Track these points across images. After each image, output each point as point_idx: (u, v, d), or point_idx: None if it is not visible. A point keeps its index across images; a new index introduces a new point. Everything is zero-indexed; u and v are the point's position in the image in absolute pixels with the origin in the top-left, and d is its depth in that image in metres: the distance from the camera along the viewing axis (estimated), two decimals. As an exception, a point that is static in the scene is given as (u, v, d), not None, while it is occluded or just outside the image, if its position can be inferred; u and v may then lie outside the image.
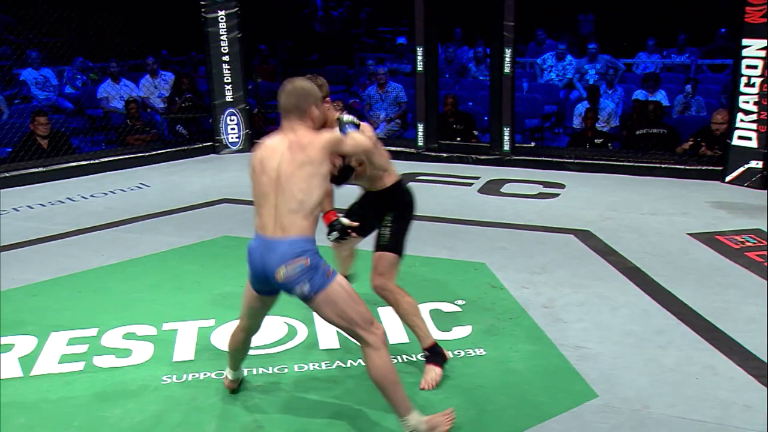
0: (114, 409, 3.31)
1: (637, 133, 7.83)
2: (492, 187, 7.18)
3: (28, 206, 6.82)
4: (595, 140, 8.02)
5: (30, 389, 3.53)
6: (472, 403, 3.32)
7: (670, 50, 10.26)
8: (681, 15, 9.83)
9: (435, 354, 3.52)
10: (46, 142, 7.90)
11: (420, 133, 8.35)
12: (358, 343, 2.95)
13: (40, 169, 7.76)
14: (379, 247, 3.47)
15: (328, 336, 3.98)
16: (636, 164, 7.53)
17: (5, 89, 9.37)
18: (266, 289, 2.96)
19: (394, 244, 3.47)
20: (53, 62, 10.37)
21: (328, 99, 3.34)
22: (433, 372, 3.49)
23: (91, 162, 8.17)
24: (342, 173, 3.36)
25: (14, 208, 6.75)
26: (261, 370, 3.63)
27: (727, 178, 7.02)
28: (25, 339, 4.02)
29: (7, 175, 7.59)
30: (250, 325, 3.17)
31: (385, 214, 3.51)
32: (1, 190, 7.34)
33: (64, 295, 4.67)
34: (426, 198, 6.86)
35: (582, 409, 3.23)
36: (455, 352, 3.78)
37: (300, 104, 2.87)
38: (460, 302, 4.39)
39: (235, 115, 8.98)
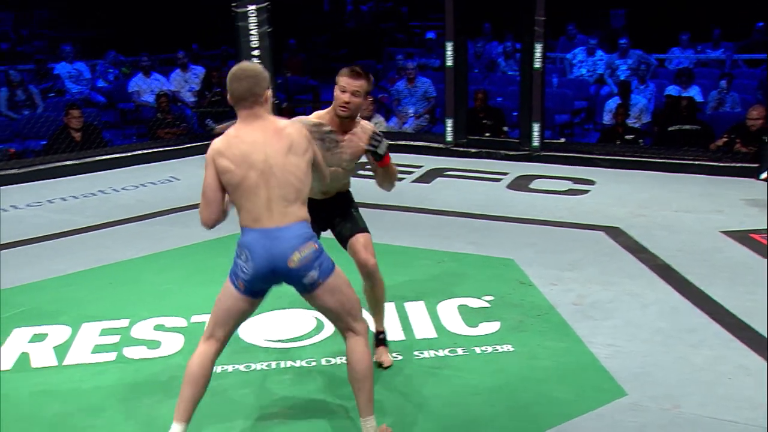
0: (144, 399, 3.36)
1: (670, 129, 7.72)
2: (521, 183, 7.14)
3: (61, 198, 6.92)
4: (626, 136, 7.93)
5: (63, 378, 3.59)
6: (499, 399, 3.31)
7: (704, 45, 10.11)
8: (716, 9, 9.67)
9: (384, 338, 3.68)
10: (79, 135, 8.00)
11: (449, 129, 8.32)
12: (343, 334, 2.89)
13: (73, 161, 7.87)
14: (360, 228, 3.49)
15: (356, 330, 3.99)
16: (668, 161, 7.42)
17: (40, 83, 9.51)
18: (267, 287, 2.79)
19: (366, 225, 3.54)
20: (87, 56, 10.53)
21: (369, 98, 3.37)
22: (387, 356, 3.64)
23: (123, 155, 8.27)
24: (377, 141, 3.33)
25: (48, 200, 6.86)
26: (289, 363, 3.65)
27: (762, 176, 6.89)
28: (60, 329, 4.09)
29: (42, 167, 7.71)
30: (224, 342, 2.84)
31: (349, 206, 3.55)
32: (36, 182, 7.46)
33: (97, 285, 4.74)
34: (454, 193, 6.86)
35: (611, 408, 3.20)
36: (482, 348, 3.77)
37: (255, 89, 2.71)
38: (488, 298, 4.37)
39: (265, 109, 9.02)
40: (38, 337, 3.99)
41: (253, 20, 8.70)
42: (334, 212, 3.49)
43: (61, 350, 3.85)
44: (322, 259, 2.74)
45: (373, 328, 3.61)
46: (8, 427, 3.19)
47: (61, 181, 7.50)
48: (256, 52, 8.81)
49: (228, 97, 2.76)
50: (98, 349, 3.86)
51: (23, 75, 9.23)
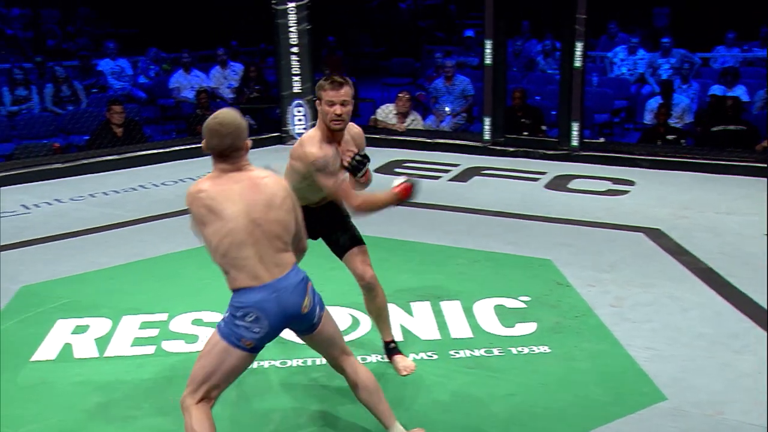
0: (182, 393, 3.38)
1: (713, 129, 7.58)
2: (559, 183, 7.06)
3: (103, 193, 7.04)
4: (668, 136, 7.80)
5: (104, 370, 3.65)
6: (535, 400, 3.28)
7: (751, 44, 9.88)
8: (763, 7, 9.44)
9: (396, 346, 3.62)
10: (120, 130, 8.13)
11: (486, 127, 8.27)
12: (337, 360, 2.83)
13: (115, 156, 8.00)
14: (356, 241, 3.46)
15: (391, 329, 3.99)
16: (711, 162, 7.27)
17: (84, 79, 9.68)
18: (270, 341, 2.67)
19: (361, 236, 3.51)
20: (129, 53, 10.68)
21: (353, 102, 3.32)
22: (406, 360, 3.58)
23: (163, 151, 8.37)
24: (359, 163, 3.26)
25: (90, 194, 6.97)
26: (324, 360, 3.65)
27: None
28: (101, 321, 4.16)
29: (85, 162, 7.85)
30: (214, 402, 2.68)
31: (343, 218, 3.51)
32: (79, 177, 7.60)
33: (136, 279, 4.81)
34: (491, 192, 6.82)
35: (650, 412, 3.15)
36: (518, 349, 3.74)
37: (237, 143, 2.59)
38: (524, 298, 4.34)
39: (302, 107, 9.07)
40: (80, 329, 4.07)
41: (292, 17, 8.76)
42: (328, 221, 3.46)
43: (102, 342, 3.91)
44: (317, 294, 2.74)
45: (383, 338, 3.61)
46: (51, 415, 3.25)
47: (103, 175, 7.63)
48: (294, 49, 8.87)
49: (204, 147, 2.64)
50: (138, 342, 3.91)
51: (68, 71, 9.41)
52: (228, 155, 2.60)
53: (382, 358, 3.68)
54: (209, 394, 2.61)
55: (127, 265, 5.06)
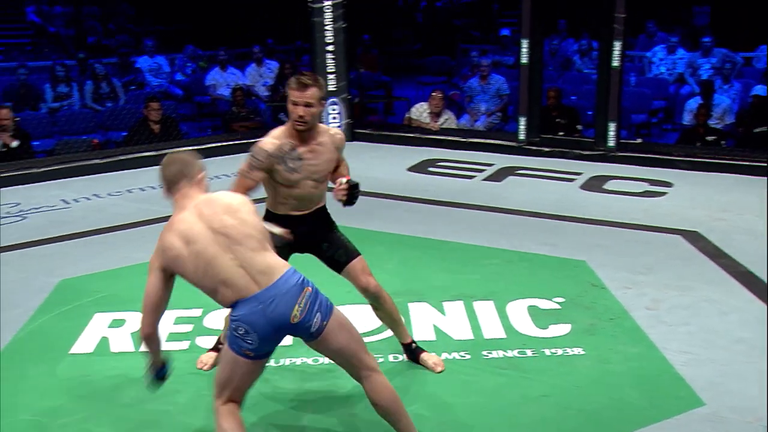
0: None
1: (756, 131, 7.42)
2: (595, 184, 6.98)
3: (140, 188, 7.14)
4: (707, 137, 7.66)
5: (139, 364, 3.67)
6: (569, 402, 3.25)
7: (798, 43, 9.65)
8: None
9: (417, 345, 3.61)
10: (158, 126, 8.23)
11: (522, 127, 8.21)
12: (359, 375, 2.72)
13: (152, 153, 8.09)
14: (354, 253, 3.39)
15: (423, 328, 3.98)
16: (753, 163, 7.11)
17: (123, 76, 9.82)
18: (272, 348, 2.66)
19: (355, 247, 3.44)
20: (166, 50, 10.82)
21: (324, 102, 3.24)
22: (433, 356, 3.58)
23: (199, 147, 8.45)
24: (353, 192, 3.25)
25: (128, 190, 7.08)
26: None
27: None
28: (137, 315, 4.18)
29: (122, 157, 7.97)
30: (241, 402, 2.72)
31: (332, 225, 3.44)
32: (117, 172, 7.71)
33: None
34: (525, 192, 6.77)
35: (687, 417, 3.10)
36: (552, 350, 3.71)
37: (185, 170, 2.65)
38: (558, 299, 4.30)
39: (337, 105, 9.09)
40: (117, 323, 4.13)
41: (328, 15, 8.79)
42: (316, 234, 3.37)
43: (138, 336, 3.95)
44: (320, 300, 2.62)
45: (403, 341, 3.61)
46: (88, 408, 3.30)
47: (140, 171, 7.73)
48: (330, 48, 8.89)
49: (162, 188, 2.70)
50: (172, 337, 3.96)
51: (107, 68, 9.56)
52: (179, 182, 2.65)
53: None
54: (232, 397, 2.66)
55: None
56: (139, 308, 4.21)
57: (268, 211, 3.34)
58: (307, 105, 3.09)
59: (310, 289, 2.60)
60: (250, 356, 2.59)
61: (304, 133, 3.18)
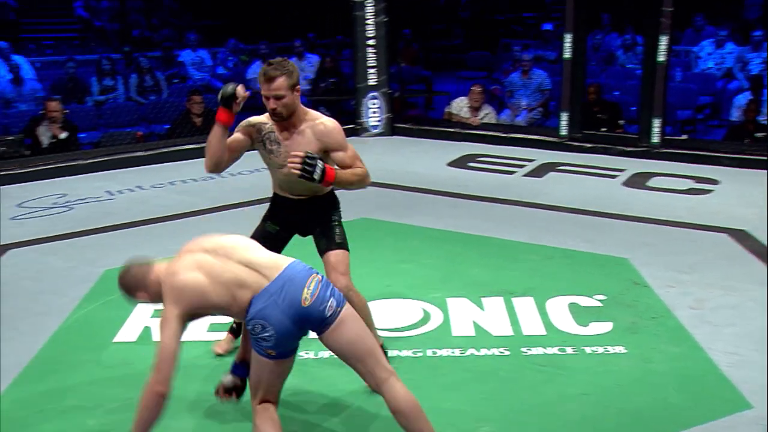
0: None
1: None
2: (638, 180, 6.87)
3: (182, 181, 7.23)
4: (756, 134, 7.47)
5: (182, 353, 3.73)
6: (610, 401, 3.20)
7: None
8: None
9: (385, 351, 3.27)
10: (200, 120, 8.32)
11: (563, 122, 8.12)
12: (375, 380, 2.60)
13: (194, 145, 8.17)
14: (336, 245, 3.26)
15: (461, 324, 3.97)
16: (804, 162, 6.94)
17: (166, 69, 9.96)
18: (292, 345, 2.64)
19: (345, 242, 3.32)
20: (208, 44, 10.94)
21: (298, 87, 3.12)
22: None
23: (240, 141, 8.53)
24: (306, 162, 2.99)
25: (170, 182, 7.17)
26: (395, 352, 3.65)
27: None
28: (177, 305, 4.26)
29: (165, 150, 8.08)
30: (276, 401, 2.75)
31: (331, 214, 3.35)
32: (160, 165, 7.82)
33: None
34: (566, 188, 6.69)
35: (734, 420, 3.02)
36: (593, 348, 3.66)
37: (130, 291, 2.74)
38: (600, 297, 4.24)
39: (377, 99, 9.09)
40: (159, 313, 4.17)
41: (369, 9, 8.78)
42: (313, 219, 3.32)
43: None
44: (332, 287, 2.62)
45: None
46: (131, 395, 3.35)
47: (183, 164, 7.83)
48: (371, 42, 8.89)
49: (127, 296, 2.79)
50: (213, 327, 3.99)
51: (151, 62, 9.70)
52: (145, 276, 2.72)
53: (452, 353, 3.65)
54: (266, 397, 2.69)
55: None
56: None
57: (274, 194, 3.39)
58: (277, 97, 3.03)
59: (318, 276, 2.60)
60: (272, 356, 2.59)
61: (285, 122, 3.14)
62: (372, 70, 8.99)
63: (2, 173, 7.24)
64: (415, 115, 10.04)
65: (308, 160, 2.95)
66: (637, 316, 4.00)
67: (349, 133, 9.19)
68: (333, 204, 3.40)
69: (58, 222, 5.98)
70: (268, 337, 2.53)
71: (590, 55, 9.74)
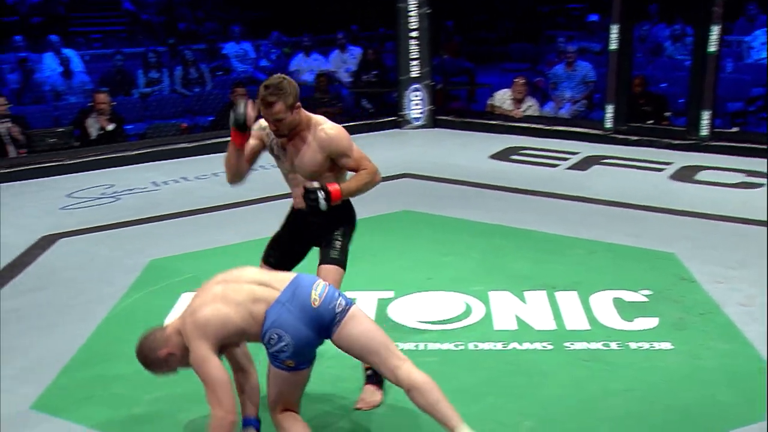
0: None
1: None
2: (686, 174, 6.73)
3: (224, 172, 7.29)
4: (810, 127, 7.27)
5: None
6: (656, 397, 3.15)
7: None
8: None
9: (377, 374, 3.08)
10: (243, 112, 8.39)
11: (609, 114, 7.99)
12: (390, 368, 2.62)
13: (238, 137, 8.28)
14: (330, 260, 3.18)
15: (503, 317, 3.93)
16: None
17: (210, 62, 10.06)
18: (309, 354, 2.68)
19: (343, 258, 3.22)
20: (252, 37, 11.03)
21: (298, 104, 3.08)
22: (376, 395, 3.14)
23: (283, 133, 8.59)
24: (309, 196, 3.05)
25: (213, 174, 7.24)
26: (437, 345, 3.64)
27: None
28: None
29: (209, 141, 8.17)
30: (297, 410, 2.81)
31: (334, 227, 3.25)
32: (204, 156, 7.91)
33: (254, 257, 4.93)
34: (611, 182, 6.59)
35: (785, 419, 2.95)
36: (638, 344, 3.60)
37: (154, 353, 2.73)
38: (645, 292, 4.17)
39: (420, 91, 9.06)
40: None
41: (412, 1, 8.75)
42: (321, 228, 3.25)
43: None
44: (339, 291, 2.71)
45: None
46: (177, 385, 3.39)
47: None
48: (414, 34, 8.86)
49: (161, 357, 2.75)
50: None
51: (196, 54, 9.82)
52: (165, 342, 2.72)
53: (494, 346, 3.63)
54: (287, 407, 2.73)
55: (246, 243, 5.21)
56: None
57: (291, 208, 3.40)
58: (276, 121, 3.04)
59: (324, 282, 2.72)
60: (291, 367, 2.64)
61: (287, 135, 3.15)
62: (414, 62, 8.96)
63: (53, 164, 7.41)
64: (458, 108, 9.99)
65: (309, 194, 3.02)
66: (685, 312, 3.92)
67: (391, 125, 9.21)
68: (343, 217, 3.28)
69: (106, 212, 6.09)
70: (285, 347, 2.59)
71: (637, 46, 9.57)
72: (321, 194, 3.02)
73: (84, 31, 11.53)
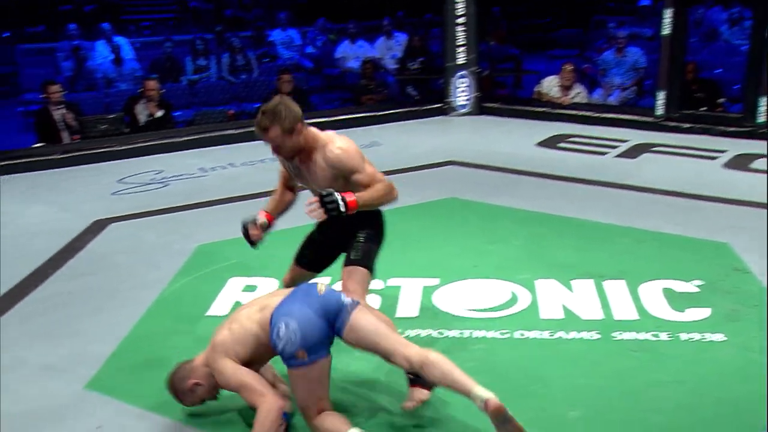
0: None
1: None
2: (741, 162, 6.55)
3: (271, 159, 7.28)
4: None
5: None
6: (707, 390, 3.08)
7: None
8: None
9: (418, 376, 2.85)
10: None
11: (660, 101, 7.81)
12: (400, 353, 2.67)
13: (284, 124, 8.32)
14: (351, 261, 3.17)
15: (550, 306, 3.89)
16: None
17: (257, 49, 10.13)
18: (319, 340, 2.67)
19: (366, 259, 3.18)
20: (298, 23, 11.06)
21: (298, 126, 3.02)
22: (423, 393, 2.91)
23: (328, 119, 8.60)
24: (325, 204, 3.00)
25: (260, 160, 7.30)
26: (483, 333, 3.62)
27: None
28: (267, 281, 4.36)
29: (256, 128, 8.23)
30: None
31: (358, 231, 3.23)
32: (251, 143, 7.96)
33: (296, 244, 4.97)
34: (661, 171, 6.45)
35: (841, 416, 2.86)
36: (689, 335, 3.52)
37: (183, 383, 2.90)
38: (697, 282, 4.08)
39: (466, 78, 8.99)
40: (249, 288, 4.29)
41: (459, -13, 8.66)
42: (345, 233, 3.25)
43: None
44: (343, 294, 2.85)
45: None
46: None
47: (272, 142, 7.95)
48: (460, 20, 8.78)
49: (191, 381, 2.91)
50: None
51: (243, 41, 9.90)
52: (191, 372, 2.92)
53: (540, 335, 3.59)
54: (320, 408, 2.72)
55: (289, 230, 5.22)
56: (270, 274, 4.38)
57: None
58: (275, 147, 3.04)
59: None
60: (305, 360, 2.64)
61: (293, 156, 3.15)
62: (461, 49, 8.89)
63: (104, 150, 7.57)
64: (504, 95, 9.88)
65: (325, 199, 2.96)
66: (739, 303, 3.83)
67: (437, 112, 9.15)
68: (366, 221, 3.26)
69: (154, 197, 6.20)
70: (293, 334, 2.63)
71: (691, 31, 9.32)
72: (337, 196, 2.97)
73: (135, 19, 11.73)
